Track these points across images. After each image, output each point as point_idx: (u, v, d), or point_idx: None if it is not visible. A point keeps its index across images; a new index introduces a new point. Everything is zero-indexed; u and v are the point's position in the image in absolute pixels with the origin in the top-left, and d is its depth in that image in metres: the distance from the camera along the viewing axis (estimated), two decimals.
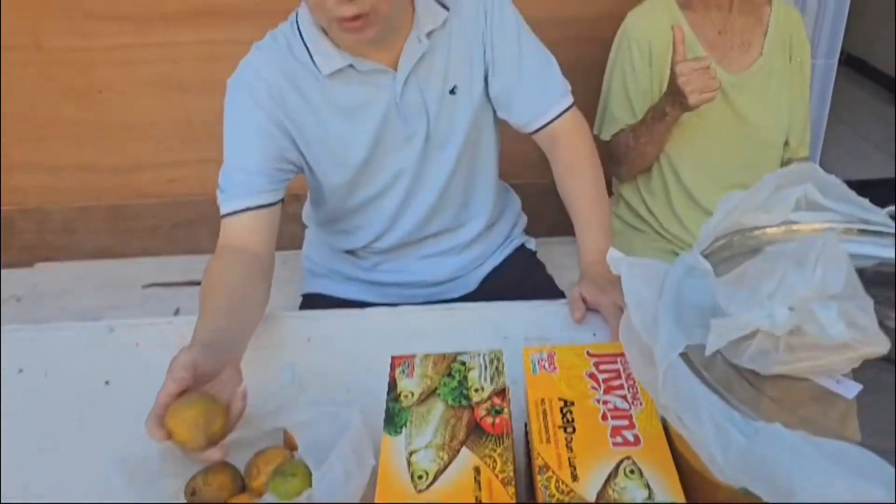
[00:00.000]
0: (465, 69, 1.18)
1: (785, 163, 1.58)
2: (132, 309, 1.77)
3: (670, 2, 1.46)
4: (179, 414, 0.72)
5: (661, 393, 0.59)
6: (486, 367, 0.76)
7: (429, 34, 1.13)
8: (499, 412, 0.70)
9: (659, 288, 0.68)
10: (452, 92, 1.18)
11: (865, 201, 0.75)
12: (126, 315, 1.77)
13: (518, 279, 1.40)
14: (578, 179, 1.23)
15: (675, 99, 1.30)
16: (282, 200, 1.13)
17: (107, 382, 1.04)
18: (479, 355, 0.78)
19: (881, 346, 0.53)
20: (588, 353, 0.78)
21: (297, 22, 1.12)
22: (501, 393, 0.72)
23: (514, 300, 1.12)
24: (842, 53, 1.97)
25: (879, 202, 0.77)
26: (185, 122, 1.95)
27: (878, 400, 0.55)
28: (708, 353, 0.58)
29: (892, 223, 0.74)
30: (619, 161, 1.55)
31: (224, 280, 1.01)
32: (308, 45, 1.10)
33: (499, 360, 0.77)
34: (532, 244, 1.49)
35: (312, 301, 1.40)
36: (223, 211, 1.10)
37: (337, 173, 1.19)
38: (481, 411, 0.70)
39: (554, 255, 1.56)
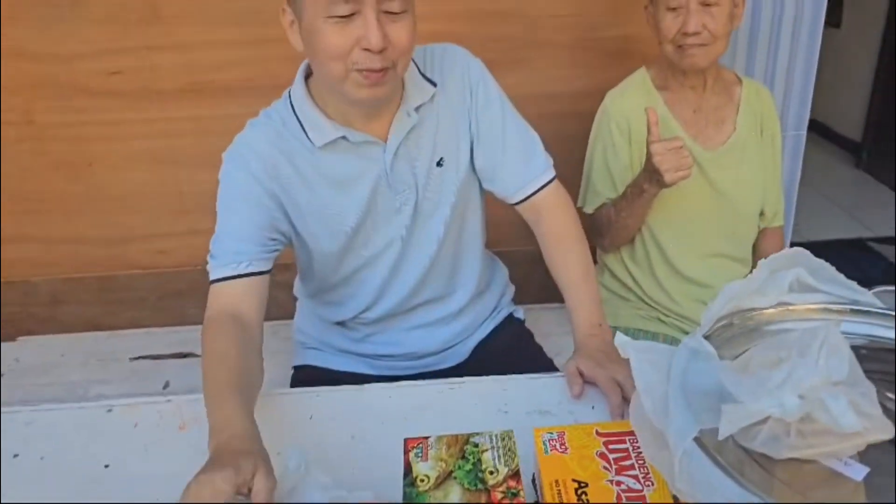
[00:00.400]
0: (452, 142, 1.23)
1: (761, 232, 1.65)
2: (120, 383, 1.76)
3: (647, 82, 1.53)
4: None
5: (678, 477, 0.61)
6: (498, 448, 0.78)
7: (417, 108, 1.17)
8: (515, 495, 0.72)
9: (666, 371, 0.71)
10: (439, 164, 1.22)
11: (853, 283, 0.79)
12: (114, 389, 1.75)
13: (508, 349, 1.41)
14: (567, 253, 1.27)
15: (652, 177, 1.36)
16: (270, 271, 1.15)
17: (106, 466, 1.03)
18: (490, 436, 0.80)
19: (887, 433, 0.56)
20: (597, 432, 0.80)
21: (290, 98, 1.16)
22: (516, 475, 0.74)
23: (506, 370, 1.14)
24: None
25: (849, 261, 0.81)
26: (175, 194, 1.97)
27: (885, 481, 0.58)
28: (721, 437, 0.61)
29: (879, 303, 0.79)
30: (602, 233, 1.60)
31: (230, 356, 1.02)
32: (301, 119, 1.14)
33: (510, 438, 0.79)
34: (520, 313, 1.51)
35: (304, 374, 1.40)
36: (214, 276, 1.11)
37: (329, 243, 1.21)
38: (498, 494, 0.72)
39: (541, 323, 1.59)
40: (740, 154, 1.55)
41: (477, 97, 1.23)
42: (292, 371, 1.45)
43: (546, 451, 0.78)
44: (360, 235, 1.22)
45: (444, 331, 1.36)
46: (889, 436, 0.57)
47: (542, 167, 1.28)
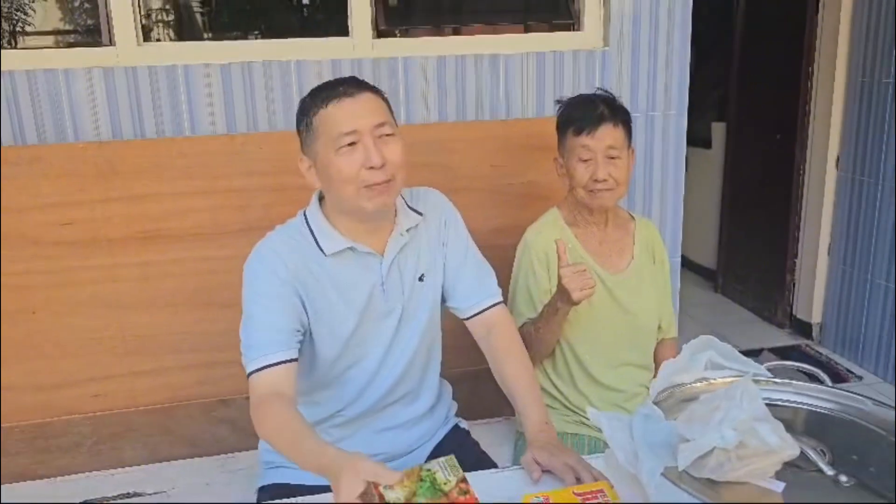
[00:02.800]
0: (430, 262, 1.50)
1: (659, 342, 1.94)
2: None
3: (559, 220, 1.83)
4: None
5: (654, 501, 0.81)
6: (445, 469, 0.99)
7: (408, 230, 1.45)
8: (465, 492, 0.95)
9: (629, 432, 0.92)
10: (421, 279, 1.48)
11: (750, 360, 1.05)
12: None
13: (460, 454, 1.58)
14: (515, 363, 1.50)
15: (563, 295, 1.62)
16: (297, 360, 1.34)
17: None
18: (437, 462, 1.01)
19: (794, 451, 0.80)
20: (574, 492, 0.99)
21: (304, 216, 1.43)
22: (464, 480, 0.96)
23: None
24: None
25: None
26: (118, 338, 2.03)
27: (794, 492, 0.81)
28: (680, 469, 0.82)
29: (771, 375, 1.05)
30: (526, 347, 1.83)
31: (291, 417, 1.22)
32: (315, 232, 1.40)
33: (452, 461, 1.01)
34: (464, 424, 1.71)
35: (272, 492, 1.50)
36: (256, 366, 1.30)
37: (330, 343, 1.41)
38: (454, 493, 0.94)
39: (482, 435, 1.77)
40: (638, 277, 1.85)
41: (449, 230, 1.53)
42: (257, 493, 1.54)
43: None
44: (356, 336, 1.42)
45: (411, 433, 1.54)
46: (796, 453, 0.80)
47: (492, 290, 1.56)
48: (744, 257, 4.11)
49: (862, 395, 1.00)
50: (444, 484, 0.95)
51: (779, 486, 0.82)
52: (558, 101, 1.83)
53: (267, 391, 1.27)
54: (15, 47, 2.17)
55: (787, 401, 1.02)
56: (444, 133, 2.18)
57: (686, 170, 4.50)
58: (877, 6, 3.10)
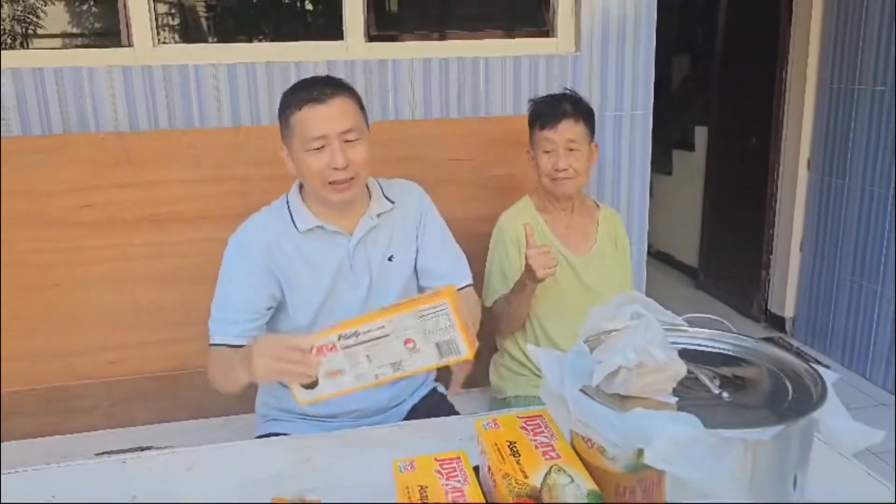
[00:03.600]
0: (402, 245, 1.69)
1: None
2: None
3: (530, 207, 2.04)
4: None
5: (574, 413, 1.01)
6: None
7: (378, 215, 1.64)
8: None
9: (561, 364, 1.12)
10: (390, 259, 1.68)
11: (671, 314, 1.24)
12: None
13: (436, 414, 1.78)
14: None
15: (529, 274, 1.82)
16: None
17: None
18: None
19: (682, 368, 1.00)
20: (517, 416, 1.18)
21: (286, 198, 1.65)
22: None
23: None
24: (651, 248, 2.69)
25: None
26: (131, 310, 2.24)
27: (684, 404, 1.01)
28: (594, 384, 1.02)
29: (686, 325, 1.25)
30: (499, 320, 2.04)
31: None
32: (292, 212, 1.61)
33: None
34: (443, 389, 1.90)
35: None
36: (217, 341, 1.55)
37: (302, 312, 1.62)
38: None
39: (458, 402, 1.97)
40: (601, 259, 2.06)
41: (425, 219, 1.73)
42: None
43: (486, 429, 1.15)
44: (326, 305, 1.63)
45: (389, 391, 1.73)
46: (684, 371, 1.00)
47: (463, 274, 1.76)
48: (723, 254, 4.31)
49: (758, 339, 1.20)
50: None
51: (672, 400, 1.02)
52: (531, 101, 2.04)
53: (225, 355, 1.52)
54: (27, 48, 2.39)
55: (697, 345, 1.22)
56: (429, 129, 2.39)
57: (671, 172, 4.75)
58: (843, 19, 3.31)
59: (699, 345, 1.23)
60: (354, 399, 1.70)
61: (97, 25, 2.52)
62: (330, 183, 1.51)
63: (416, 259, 1.72)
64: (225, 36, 2.62)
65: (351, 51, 2.36)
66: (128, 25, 2.23)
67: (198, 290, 2.27)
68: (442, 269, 1.73)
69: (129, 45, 2.25)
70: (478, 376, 1.99)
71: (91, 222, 2.18)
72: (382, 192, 1.69)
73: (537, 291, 1.91)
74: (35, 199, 2.13)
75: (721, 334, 1.25)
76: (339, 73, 2.10)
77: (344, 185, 1.52)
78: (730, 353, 1.21)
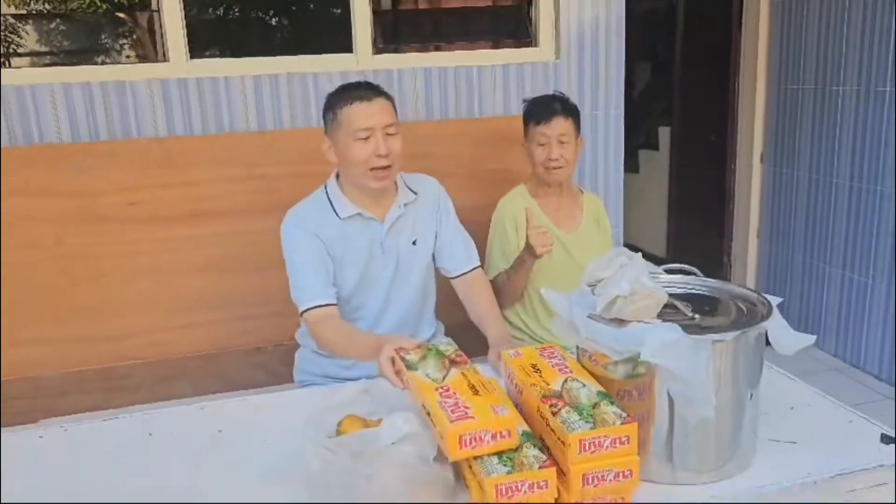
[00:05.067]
0: (423, 230, 1.98)
1: None
2: None
3: (525, 193, 2.36)
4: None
5: (583, 333, 1.33)
6: (446, 345, 1.46)
7: (405, 205, 1.93)
8: (460, 356, 1.41)
9: (569, 302, 1.44)
10: (414, 243, 1.97)
11: (652, 265, 1.57)
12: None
13: None
14: (486, 305, 2.03)
15: (529, 251, 2.13)
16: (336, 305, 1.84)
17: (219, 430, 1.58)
18: (439, 340, 1.49)
19: (664, 295, 1.33)
20: (535, 348, 1.50)
21: (325, 189, 1.91)
22: (458, 351, 1.43)
23: None
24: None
25: None
26: (172, 297, 2.51)
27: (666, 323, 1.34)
28: (598, 312, 1.34)
29: (664, 272, 1.58)
30: (500, 293, 2.34)
31: (338, 327, 1.78)
32: (332, 200, 1.88)
33: (450, 342, 1.48)
34: None
35: None
36: (307, 306, 1.80)
37: (343, 287, 1.90)
38: (453, 356, 1.40)
39: None
40: (586, 237, 2.38)
41: (440, 210, 2.02)
42: None
43: (512, 357, 1.47)
44: (362, 283, 1.92)
45: None
46: (665, 298, 1.33)
47: (473, 257, 2.07)
48: (688, 243, 4.68)
49: (723, 281, 1.54)
50: (445, 352, 1.42)
51: (657, 321, 1.34)
52: (524, 101, 2.37)
53: (320, 317, 1.79)
54: (9, 66, 2.64)
55: (674, 286, 1.55)
56: (431, 129, 2.71)
57: (638, 170, 5.12)
58: (787, 27, 3.71)
59: (675, 286, 1.56)
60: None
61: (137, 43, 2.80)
62: (371, 170, 1.79)
63: (434, 243, 2.02)
64: (250, 50, 2.91)
65: (361, 62, 2.67)
66: (164, 43, 2.51)
67: (233, 277, 2.57)
68: (457, 252, 2.03)
69: (166, 60, 2.53)
70: (481, 346, 2.30)
71: (136, 218, 2.44)
72: (406, 184, 1.98)
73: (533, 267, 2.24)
74: (87, 199, 2.39)
75: (692, 278, 1.58)
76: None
77: (383, 172, 1.80)
78: (699, 291, 1.54)
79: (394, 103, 1.86)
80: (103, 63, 2.69)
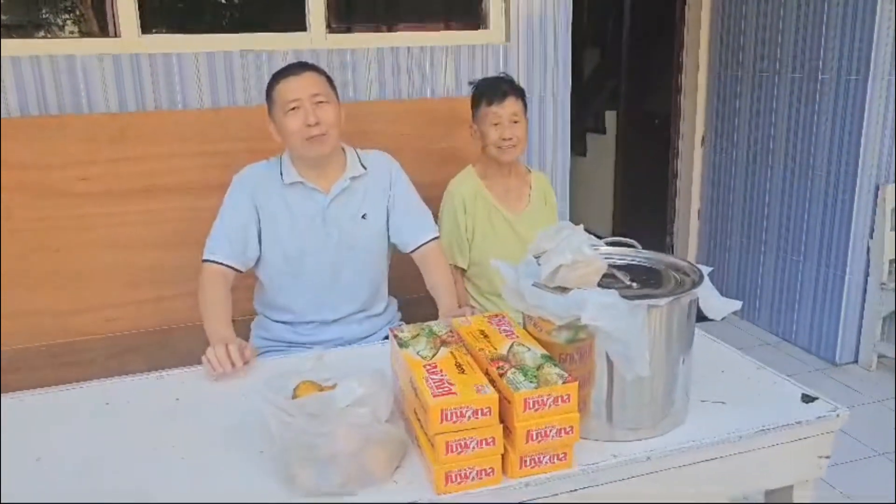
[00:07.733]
0: (373, 204, 2.04)
1: None
2: None
3: (473, 174, 2.43)
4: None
5: (528, 300, 1.41)
6: (440, 325, 1.54)
7: (352, 178, 2.00)
8: (451, 333, 1.48)
9: (516, 271, 1.52)
10: (364, 217, 2.03)
11: (592, 236, 1.66)
12: None
13: None
14: (440, 276, 2.10)
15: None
16: (238, 272, 1.96)
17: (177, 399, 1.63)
18: (433, 322, 1.56)
19: (603, 263, 1.42)
20: (484, 316, 1.58)
21: (280, 156, 2.00)
22: (451, 331, 1.50)
23: None
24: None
25: None
26: (126, 272, 2.52)
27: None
28: (541, 280, 1.42)
29: (605, 245, 1.68)
30: None
31: (215, 295, 1.87)
32: (282, 167, 1.97)
33: (445, 323, 1.55)
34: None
35: None
36: (209, 257, 1.94)
37: (274, 249, 1.97)
38: (445, 336, 1.47)
39: None
40: (534, 217, 2.47)
41: (394, 184, 2.09)
42: None
43: (461, 324, 1.55)
44: (298, 248, 1.97)
45: (362, 326, 2.10)
46: (605, 266, 1.42)
47: (429, 230, 2.13)
48: (632, 224, 4.84)
49: (660, 252, 1.65)
50: (438, 332, 1.48)
51: (597, 289, 1.44)
52: (471, 83, 2.44)
53: (214, 273, 1.90)
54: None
55: (614, 257, 1.65)
56: (383, 108, 2.76)
57: (585, 153, 5.25)
58: (727, 14, 3.86)
59: (615, 258, 1.66)
60: (335, 330, 2.07)
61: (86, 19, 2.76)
62: (307, 140, 1.87)
63: (387, 218, 2.08)
64: (203, 27, 2.90)
65: (314, 41, 2.70)
66: (115, 18, 2.49)
67: (186, 253, 2.57)
68: (412, 226, 2.09)
69: (117, 35, 2.51)
70: (434, 316, 2.37)
71: (90, 192, 2.43)
72: (359, 159, 2.05)
73: (482, 243, 2.34)
74: (40, 172, 2.37)
75: (631, 251, 1.68)
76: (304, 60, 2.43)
77: (318, 139, 1.88)
78: (637, 262, 1.64)
79: (327, 77, 1.95)
80: (44, 38, 2.64)
